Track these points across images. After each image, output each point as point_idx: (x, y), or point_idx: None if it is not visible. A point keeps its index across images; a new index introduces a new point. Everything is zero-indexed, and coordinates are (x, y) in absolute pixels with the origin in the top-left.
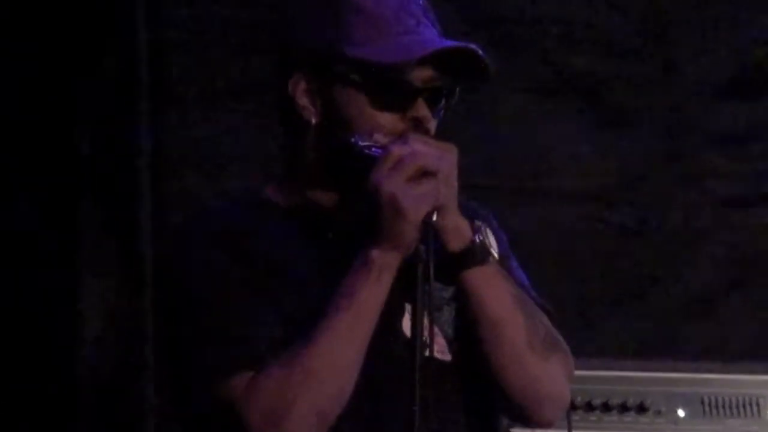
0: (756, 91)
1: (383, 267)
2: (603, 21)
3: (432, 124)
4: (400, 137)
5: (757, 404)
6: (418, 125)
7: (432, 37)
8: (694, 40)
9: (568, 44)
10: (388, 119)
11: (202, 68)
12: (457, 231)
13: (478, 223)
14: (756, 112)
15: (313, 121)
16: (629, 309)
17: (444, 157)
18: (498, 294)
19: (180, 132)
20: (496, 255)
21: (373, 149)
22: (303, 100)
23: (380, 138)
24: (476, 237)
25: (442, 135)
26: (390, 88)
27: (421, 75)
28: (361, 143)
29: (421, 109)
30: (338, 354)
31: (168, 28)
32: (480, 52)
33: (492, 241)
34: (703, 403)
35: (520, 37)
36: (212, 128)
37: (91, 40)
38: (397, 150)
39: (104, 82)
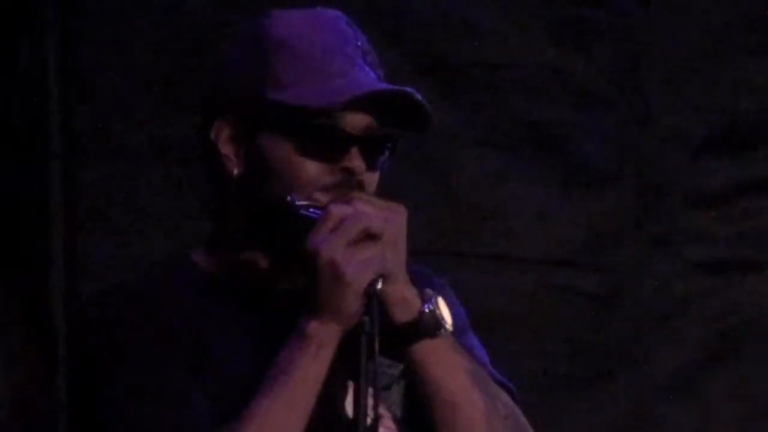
0: (739, 146)
1: (322, 341)
2: (570, 65)
3: (369, 177)
4: (342, 196)
5: None
6: (351, 177)
7: (365, 81)
8: (671, 88)
9: (531, 91)
10: (316, 170)
11: (120, 119)
12: (405, 301)
13: (428, 291)
14: (738, 168)
15: (235, 172)
16: (598, 389)
17: (390, 219)
18: (451, 370)
19: (96, 188)
20: (449, 327)
21: (311, 210)
22: (226, 149)
23: (320, 197)
24: (425, 307)
25: (388, 193)
26: (319, 136)
27: (354, 122)
28: (297, 202)
29: (355, 160)
30: None
31: (82, 73)
32: (417, 96)
33: (445, 312)
34: None
35: (476, 83)
36: (131, 185)
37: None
38: (338, 210)
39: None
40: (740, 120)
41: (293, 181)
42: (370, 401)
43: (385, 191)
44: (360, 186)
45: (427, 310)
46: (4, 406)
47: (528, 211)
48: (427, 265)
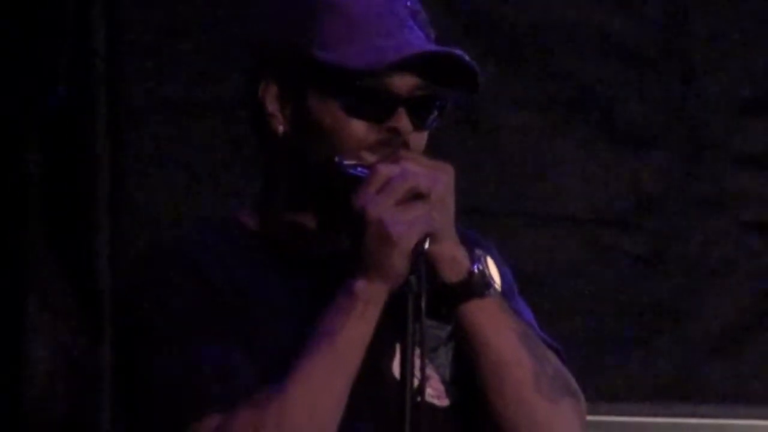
0: None
1: (369, 301)
2: (616, 25)
3: (416, 138)
4: (390, 156)
5: None
6: (397, 137)
7: (414, 42)
8: (718, 49)
9: (576, 51)
10: (362, 129)
11: (166, 79)
12: (454, 260)
13: (477, 251)
14: None
15: (281, 130)
16: (645, 348)
17: (438, 178)
18: (500, 330)
19: (142, 148)
20: (498, 287)
21: (359, 169)
22: (272, 108)
23: (367, 156)
24: (475, 267)
25: (437, 154)
26: (365, 96)
27: (402, 82)
28: (345, 162)
29: (401, 120)
30: (316, 400)
31: (129, 34)
32: (466, 58)
33: (494, 272)
34: None
35: (521, 43)
36: (179, 144)
37: (45, 52)
38: (385, 170)
39: (58, 92)
40: None
41: (339, 140)
42: (417, 362)
43: (431, 151)
44: (406, 146)
45: (476, 270)
46: (49, 364)
47: (574, 171)
48: (472, 225)
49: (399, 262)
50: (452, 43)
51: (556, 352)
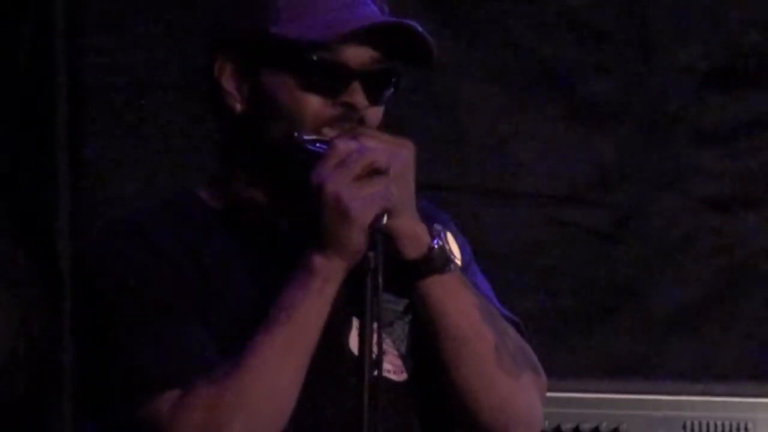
0: (745, 82)
1: (327, 277)
2: (577, 1)
3: (372, 112)
4: (349, 131)
5: (745, 429)
6: (353, 113)
7: (367, 15)
8: (677, 23)
9: (536, 26)
10: (318, 104)
11: (127, 57)
12: (413, 236)
13: (437, 227)
14: (744, 104)
15: (239, 107)
16: (604, 324)
17: (397, 154)
18: (461, 306)
19: (103, 125)
20: (458, 262)
21: (317, 144)
22: (228, 85)
23: (327, 132)
24: (435, 242)
25: (396, 129)
26: (319, 70)
27: (356, 56)
28: (304, 137)
29: (356, 95)
30: (274, 373)
31: (89, 10)
32: (419, 29)
33: (453, 247)
34: (685, 428)
35: (482, 19)
36: (137, 121)
37: (4, 28)
38: (343, 145)
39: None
40: (746, 55)
41: (295, 115)
42: (375, 337)
43: (391, 127)
44: (362, 121)
45: (436, 246)
46: (9, 338)
47: (534, 146)
48: (431, 200)
49: (357, 238)
50: (411, 17)
51: (515, 325)
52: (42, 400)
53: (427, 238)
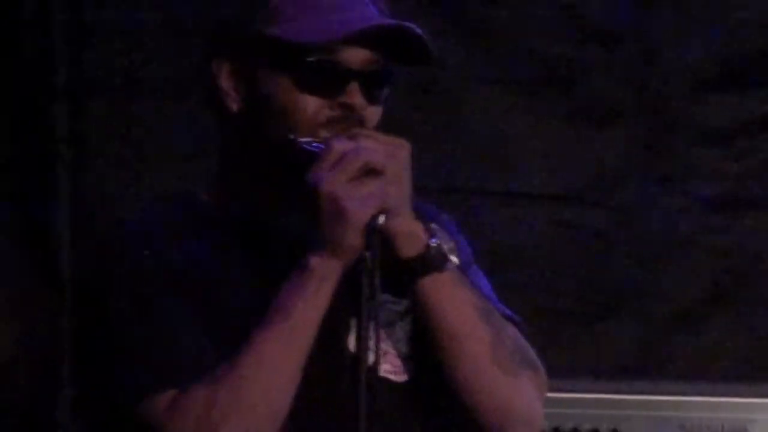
0: (747, 82)
1: (323, 277)
2: (579, 3)
3: (370, 113)
4: (345, 132)
5: (745, 430)
6: (351, 114)
7: (364, 16)
8: (679, 23)
9: (539, 27)
10: (315, 105)
11: (127, 56)
12: (410, 235)
13: (433, 226)
14: (746, 105)
15: (236, 108)
16: (603, 324)
17: (393, 154)
18: (458, 304)
19: (104, 125)
20: (455, 261)
21: (314, 144)
22: (226, 85)
23: (324, 134)
24: (432, 241)
25: (396, 129)
26: (317, 71)
27: (353, 56)
28: (300, 138)
29: (354, 95)
30: (271, 374)
31: (90, 11)
32: (417, 30)
33: (451, 246)
34: (684, 428)
35: (485, 19)
36: (140, 122)
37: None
38: (339, 146)
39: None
40: (748, 56)
41: (293, 116)
42: (374, 337)
43: (392, 127)
44: (360, 122)
45: (433, 244)
46: (9, 348)
47: (535, 147)
48: (433, 202)
49: (353, 238)
50: (412, 17)
51: (516, 324)
52: (42, 401)
53: (423, 237)
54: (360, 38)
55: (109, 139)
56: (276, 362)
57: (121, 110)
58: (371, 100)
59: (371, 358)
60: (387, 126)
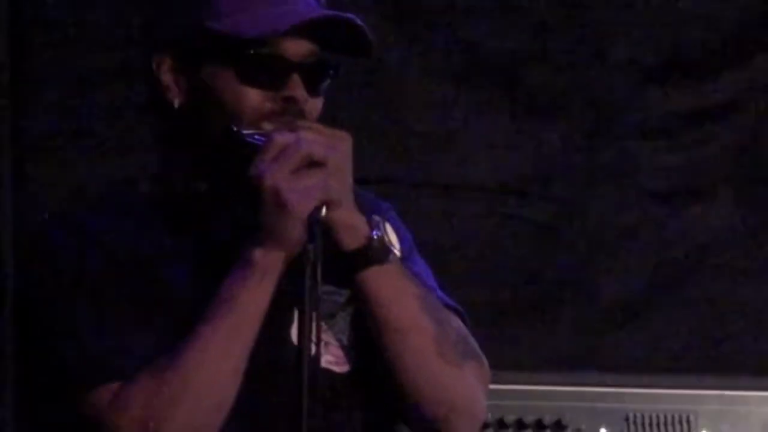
0: (688, 75)
1: (266, 269)
2: None
3: (311, 105)
4: (287, 124)
5: (687, 421)
6: (293, 106)
7: (304, 8)
8: (621, 17)
9: (481, 20)
10: (258, 98)
11: (70, 49)
12: (352, 227)
13: (376, 217)
14: (687, 97)
15: (177, 102)
16: (547, 316)
17: (335, 146)
18: (401, 296)
19: (46, 118)
20: (397, 253)
21: (256, 137)
22: (167, 79)
23: (267, 126)
24: (374, 233)
25: (338, 122)
26: (258, 64)
27: (294, 49)
28: (243, 131)
29: (296, 88)
30: (215, 365)
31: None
32: (357, 21)
33: (393, 238)
34: (627, 420)
35: (426, 12)
36: (81, 114)
37: None
38: (281, 138)
39: None
40: (689, 49)
41: (235, 109)
42: (315, 328)
43: (334, 120)
44: (302, 114)
45: (375, 237)
46: None
47: (477, 139)
48: (373, 193)
49: (295, 230)
50: (352, 9)
51: (458, 314)
52: None
53: (365, 229)
54: (301, 30)
55: (49, 129)
56: (220, 353)
57: (65, 105)
58: (312, 92)
59: (313, 349)
60: (328, 118)
